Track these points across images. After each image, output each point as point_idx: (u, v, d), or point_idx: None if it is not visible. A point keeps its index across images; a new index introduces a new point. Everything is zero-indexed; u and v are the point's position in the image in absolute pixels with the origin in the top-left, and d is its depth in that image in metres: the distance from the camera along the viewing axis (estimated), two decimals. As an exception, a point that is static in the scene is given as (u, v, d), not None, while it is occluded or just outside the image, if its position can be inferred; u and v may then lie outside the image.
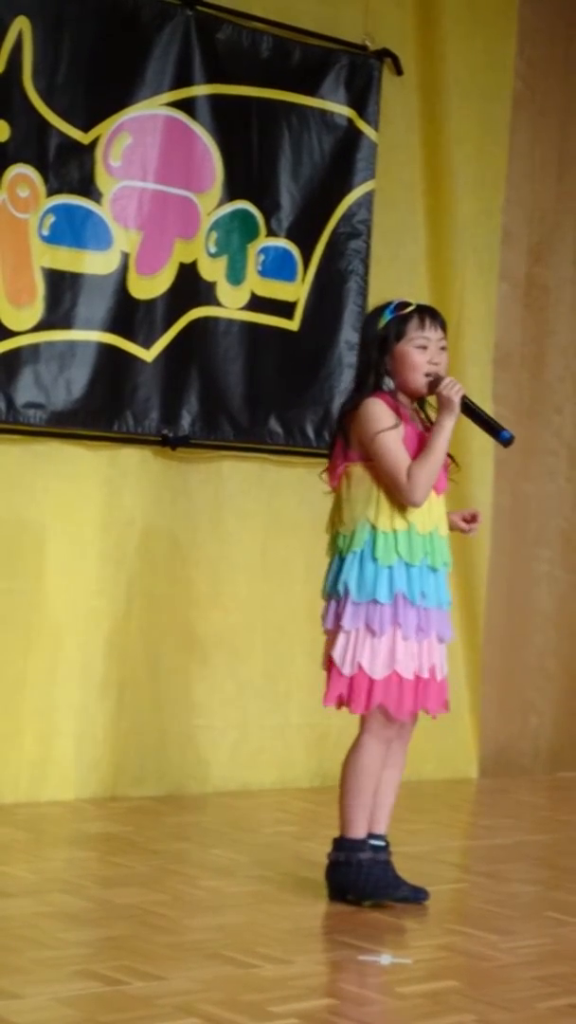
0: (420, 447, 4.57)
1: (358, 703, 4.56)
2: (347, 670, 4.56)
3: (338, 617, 4.59)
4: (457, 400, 4.56)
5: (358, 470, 4.59)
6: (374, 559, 4.55)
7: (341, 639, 4.58)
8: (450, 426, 4.57)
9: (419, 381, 4.60)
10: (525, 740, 7.18)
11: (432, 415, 4.68)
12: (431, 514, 4.61)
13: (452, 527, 4.81)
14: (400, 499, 4.54)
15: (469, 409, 4.62)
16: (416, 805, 5.99)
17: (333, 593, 4.63)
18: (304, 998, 3.70)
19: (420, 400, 4.70)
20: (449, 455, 4.67)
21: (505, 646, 7.06)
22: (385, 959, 4.04)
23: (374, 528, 4.56)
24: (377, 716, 4.59)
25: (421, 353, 4.59)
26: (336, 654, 4.58)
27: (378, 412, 4.54)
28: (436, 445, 4.55)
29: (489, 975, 4.03)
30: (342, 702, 4.60)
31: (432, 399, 4.67)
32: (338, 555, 4.63)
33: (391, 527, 4.56)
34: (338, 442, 4.65)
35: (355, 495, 4.59)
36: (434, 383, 4.59)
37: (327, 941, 4.31)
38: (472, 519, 4.83)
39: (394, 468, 4.51)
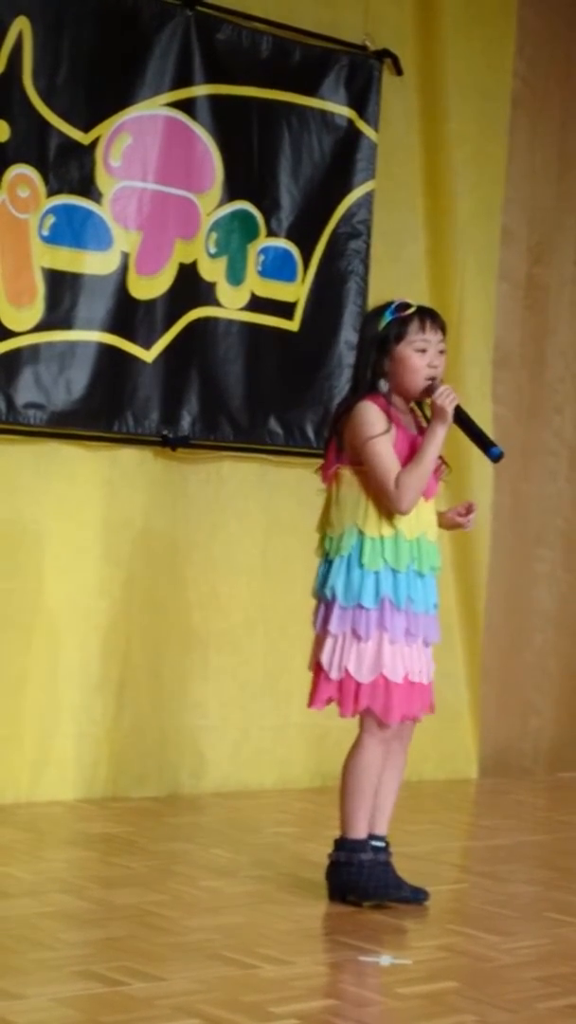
0: (411, 451, 4.56)
1: (346, 706, 4.58)
2: (335, 674, 4.57)
3: (325, 621, 4.60)
4: (450, 410, 4.54)
5: (348, 474, 4.59)
6: (361, 564, 4.55)
7: (328, 643, 4.59)
8: (441, 435, 4.56)
9: (417, 384, 4.58)
10: (525, 740, 7.18)
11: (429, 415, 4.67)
12: (419, 520, 4.60)
13: (450, 525, 4.80)
14: (388, 506, 4.53)
15: (461, 420, 4.60)
16: (416, 805, 5.99)
17: (321, 596, 4.63)
18: (304, 999, 3.70)
19: (418, 401, 4.69)
20: (442, 459, 4.66)
21: (505, 646, 7.06)
22: (385, 960, 4.04)
23: (361, 533, 4.56)
24: (375, 717, 4.59)
25: (421, 356, 4.57)
26: (324, 658, 4.59)
27: (370, 417, 4.53)
28: (426, 454, 4.53)
29: (489, 976, 4.03)
30: (331, 704, 4.62)
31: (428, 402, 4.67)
32: (326, 558, 4.63)
33: (378, 532, 4.55)
34: (332, 443, 4.65)
35: (344, 498, 4.59)
36: (428, 390, 4.58)
37: (327, 942, 4.31)
38: (467, 511, 4.80)
39: (383, 475, 4.51)
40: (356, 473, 4.57)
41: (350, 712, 4.58)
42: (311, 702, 4.65)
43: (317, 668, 4.63)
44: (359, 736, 4.63)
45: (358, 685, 4.55)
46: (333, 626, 4.57)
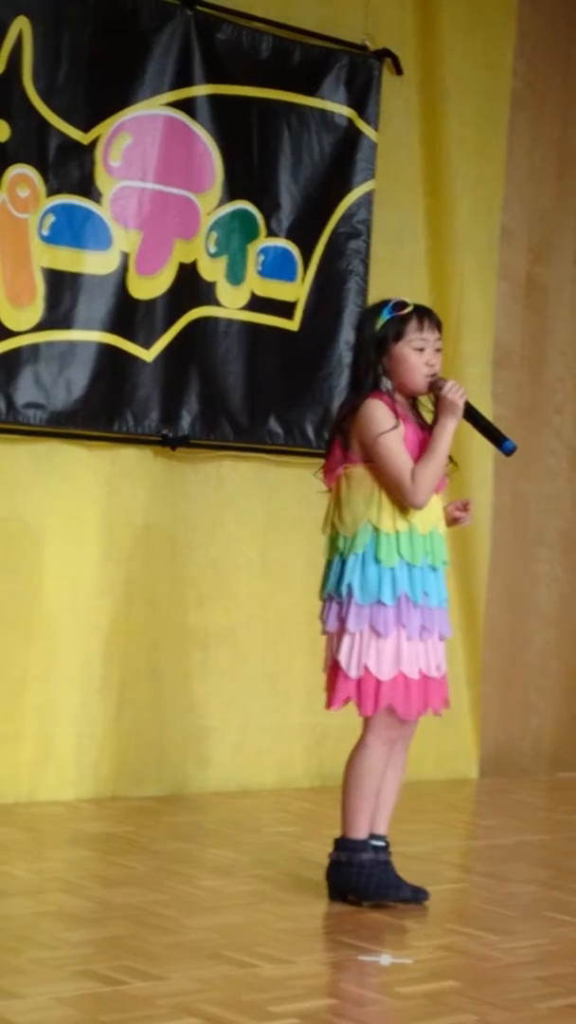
0: (419, 446, 4.57)
1: (367, 705, 4.56)
2: (354, 672, 4.56)
3: (342, 620, 4.58)
4: (461, 404, 4.55)
5: (358, 471, 4.58)
6: (377, 561, 4.54)
7: (346, 641, 4.57)
8: (452, 428, 4.57)
9: (417, 382, 4.59)
10: (525, 740, 7.18)
11: (426, 414, 4.68)
12: (431, 514, 4.61)
13: (449, 520, 4.80)
14: (403, 501, 4.53)
15: (471, 415, 4.62)
16: (416, 805, 5.99)
17: (336, 595, 4.61)
18: (304, 998, 3.70)
19: (413, 398, 4.69)
20: (448, 455, 4.67)
21: (505, 646, 7.06)
22: (385, 959, 4.04)
23: (376, 530, 4.55)
24: (382, 717, 4.58)
25: (419, 355, 4.58)
26: (342, 657, 4.57)
27: (379, 414, 4.54)
28: (438, 447, 4.54)
29: (489, 975, 4.03)
30: (349, 702, 4.61)
31: (425, 399, 4.67)
32: (339, 556, 4.62)
33: (393, 528, 4.55)
34: (336, 443, 4.65)
35: (355, 496, 4.59)
36: (436, 386, 4.58)
37: (327, 941, 4.31)
38: (464, 508, 4.81)
39: (398, 470, 4.51)
40: (367, 470, 4.57)
41: (371, 710, 4.56)
42: (330, 703, 4.64)
43: (334, 668, 4.62)
44: (363, 737, 4.62)
45: (379, 683, 4.54)
46: (351, 624, 4.55)
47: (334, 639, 4.62)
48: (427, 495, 4.53)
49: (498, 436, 4.65)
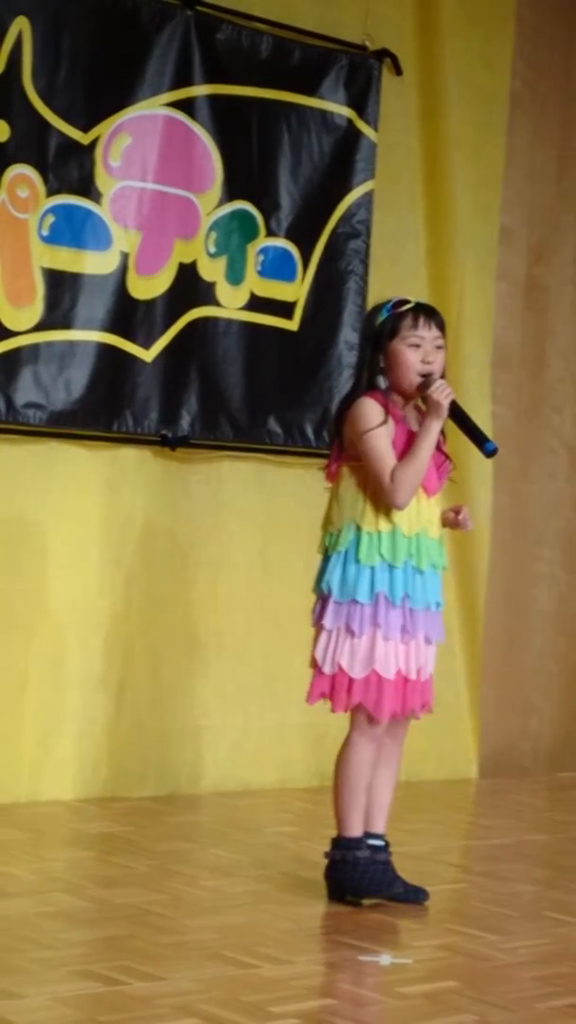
0: (409, 447, 4.55)
1: (338, 702, 4.58)
2: (328, 669, 4.58)
3: (320, 616, 4.61)
4: (446, 404, 4.53)
5: (347, 470, 4.60)
6: (356, 559, 4.55)
7: (322, 638, 4.60)
8: (436, 429, 4.55)
9: (411, 380, 4.57)
10: (525, 740, 7.18)
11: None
12: (419, 516, 4.59)
13: (448, 525, 4.79)
14: (384, 501, 4.53)
15: (457, 415, 4.60)
16: (416, 805, 5.99)
17: (318, 591, 4.65)
18: (304, 998, 3.71)
19: (423, 398, 4.67)
20: (447, 456, 4.67)
21: (505, 646, 7.06)
22: (385, 959, 4.04)
23: (359, 528, 4.56)
24: (363, 714, 4.59)
25: (414, 352, 4.56)
26: (318, 653, 4.61)
27: (366, 412, 4.54)
28: (421, 448, 4.53)
29: (489, 975, 4.03)
30: (326, 699, 4.63)
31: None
32: (325, 554, 4.64)
33: (375, 527, 4.55)
34: (335, 441, 4.66)
35: (344, 494, 4.60)
36: (424, 385, 4.57)
37: (327, 941, 4.31)
38: (456, 514, 4.77)
39: (379, 469, 4.51)
40: (354, 469, 4.57)
41: (342, 708, 4.58)
42: (308, 697, 4.65)
43: (313, 663, 4.64)
44: (349, 734, 4.64)
45: (350, 680, 4.55)
46: (328, 621, 4.58)
47: (315, 635, 4.64)
48: (407, 496, 4.52)
49: (480, 437, 4.63)
